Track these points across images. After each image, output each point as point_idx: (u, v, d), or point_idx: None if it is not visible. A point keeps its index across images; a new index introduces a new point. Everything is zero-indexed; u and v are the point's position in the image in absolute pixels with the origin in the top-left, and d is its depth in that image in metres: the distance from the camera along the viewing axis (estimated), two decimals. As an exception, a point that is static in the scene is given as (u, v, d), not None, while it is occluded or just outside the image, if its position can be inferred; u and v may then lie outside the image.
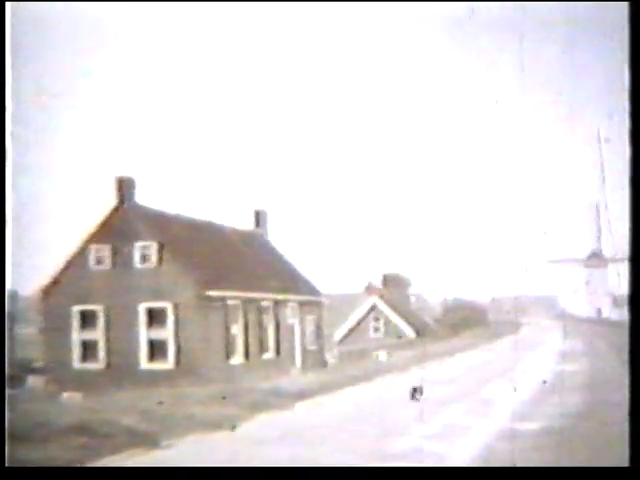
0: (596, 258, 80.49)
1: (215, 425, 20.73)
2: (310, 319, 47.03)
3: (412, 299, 78.25)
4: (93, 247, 38.10)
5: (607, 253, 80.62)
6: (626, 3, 13.13)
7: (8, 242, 14.15)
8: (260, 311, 41.18)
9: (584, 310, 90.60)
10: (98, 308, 37.85)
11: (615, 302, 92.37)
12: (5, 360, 14.58)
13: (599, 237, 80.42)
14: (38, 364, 38.83)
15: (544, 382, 30.06)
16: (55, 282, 38.45)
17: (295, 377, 36.29)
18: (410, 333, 67.58)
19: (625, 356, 38.96)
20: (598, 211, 78.55)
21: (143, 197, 39.17)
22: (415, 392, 22.89)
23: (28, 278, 36.72)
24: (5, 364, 14.56)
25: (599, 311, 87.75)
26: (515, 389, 28.73)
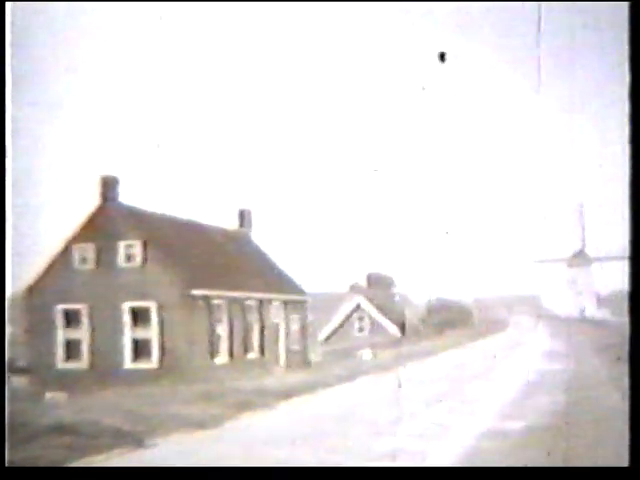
0: (580, 258, 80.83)
1: (200, 424, 20.72)
2: (294, 318, 47.04)
3: (396, 299, 78.34)
4: (77, 246, 38.01)
5: (591, 253, 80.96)
6: (626, 3, 13.13)
7: (8, 243, 14.11)
8: (244, 310, 41.18)
9: (568, 309, 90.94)
10: (82, 307, 37.76)
11: (599, 302, 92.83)
12: (5, 361, 14.54)
13: (583, 237, 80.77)
14: (21, 364, 38.70)
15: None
16: (39, 281, 38.36)
17: (279, 377, 36.29)
18: (394, 332, 67.70)
19: (607, 356, 39.28)
20: (582, 211, 78.91)
21: (127, 196, 39.15)
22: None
23: (13, 277, 36.56)
24: (5, 365, 14.51)
25: (583, 310, 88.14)
26: (501, 388, 28.85)
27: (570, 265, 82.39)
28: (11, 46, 14.15)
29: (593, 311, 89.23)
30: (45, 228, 39.17)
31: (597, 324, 77.05)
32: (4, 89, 14.05)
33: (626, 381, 26.37)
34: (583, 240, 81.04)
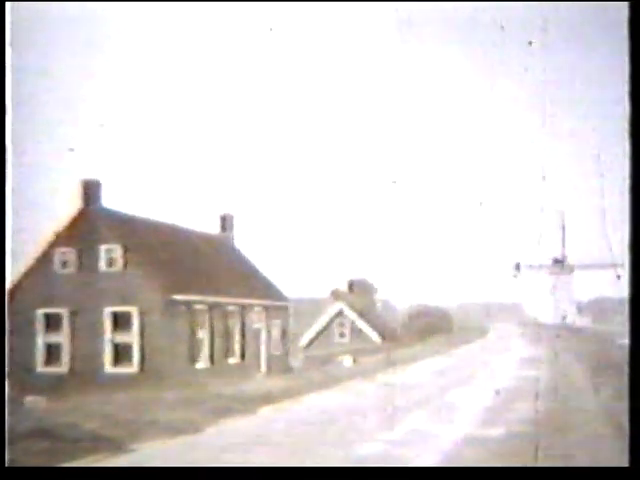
0: (561, 265, 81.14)
1: (180, 430, 20.66)
2: (276, 324, 47.03)
3: (378, 305, 78.47)
4: (58, 250, 37.88)
5: (572, 260, 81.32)
6: (626, 3, 13.16)
7: (8, 244, 14.05)
8: (226, 316, 41.12)
9: (549, 317, 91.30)
10: (63, 311, 37.62)
11: (580, 309, 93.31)
12: (5, 361, 14.46)
13: (563, 245, 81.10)
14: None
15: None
16: (20, 285, 38.16)
17: (260, 382, 36.25)
18: (376, 339, 67.74)
19: (586, 362, 39.27)
20: (563, 218, 79.25)
21: (109, 200, 39.06)
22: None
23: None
24: (5, 365, 14.44)
25: (564, 318, 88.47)
26: (480, 395, 28.92)
27: (551, 273, 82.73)
28: (11, 46, 14.12)
29: (574, 318, 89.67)
30: (44, 230, 38.94)
31: (578, 331, 77.40)
32: (4, 89, 14.00)
33: (607, 388, 26.48)
34: (564, 248, 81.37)
